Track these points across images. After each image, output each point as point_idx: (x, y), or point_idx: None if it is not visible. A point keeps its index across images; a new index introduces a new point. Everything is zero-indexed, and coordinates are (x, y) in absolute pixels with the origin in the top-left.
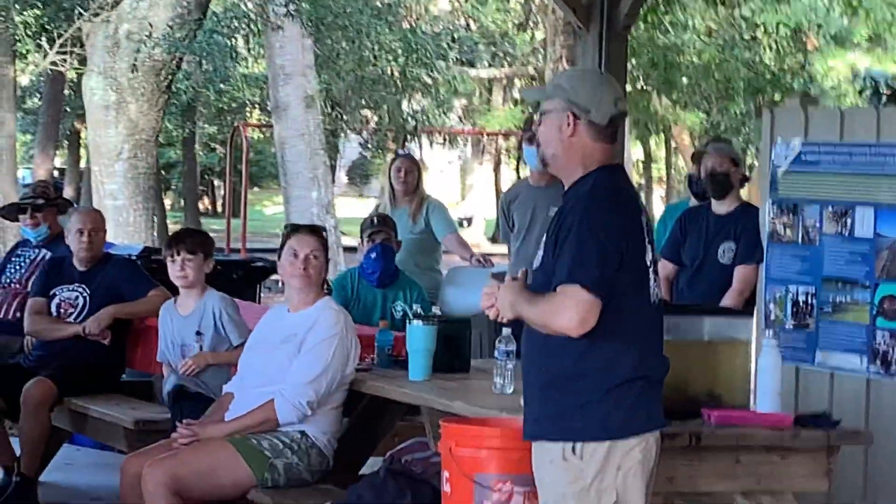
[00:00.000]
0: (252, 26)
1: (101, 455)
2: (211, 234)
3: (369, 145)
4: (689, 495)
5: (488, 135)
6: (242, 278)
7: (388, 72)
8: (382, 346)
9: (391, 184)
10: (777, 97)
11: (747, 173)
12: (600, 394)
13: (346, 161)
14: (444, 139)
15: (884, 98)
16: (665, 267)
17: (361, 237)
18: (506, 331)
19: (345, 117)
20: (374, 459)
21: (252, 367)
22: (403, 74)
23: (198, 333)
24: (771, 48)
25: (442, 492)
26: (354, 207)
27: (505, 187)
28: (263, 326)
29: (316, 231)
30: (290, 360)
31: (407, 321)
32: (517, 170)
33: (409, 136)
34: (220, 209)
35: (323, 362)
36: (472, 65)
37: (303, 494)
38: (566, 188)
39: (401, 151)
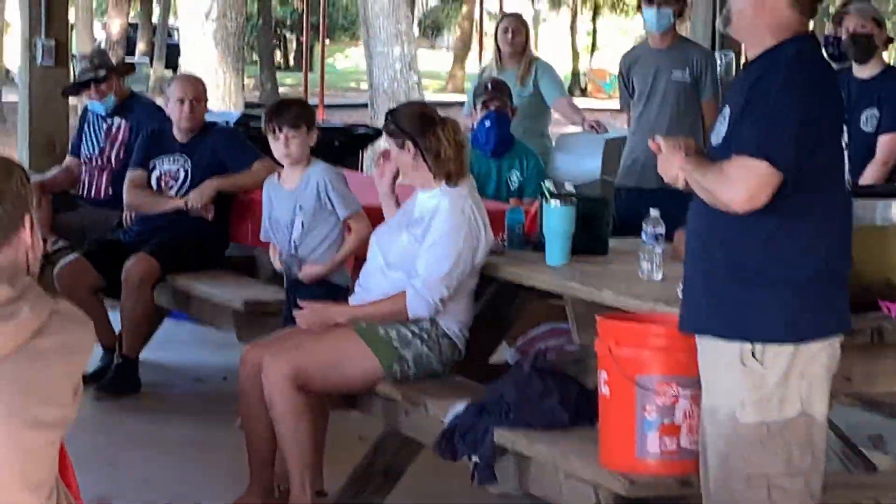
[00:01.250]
0: None
1: (203, 332)
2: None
3: None
4: (865, 395)
5: None
6: (344, 146)
7: None
8: (513, 226)
9: (497, 45)
10: None
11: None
12: (787, 289)
13: (418, 11)
14: None
15: None
16: None
17: (474, 103)
18: (654, 212)
19: None
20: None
21: (378, 244)
22: None
23: (300, 209)
24: None
25: (600, 394)
26: (426, 60)
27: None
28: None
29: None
30: (413, 245)
31: (543, 201)
32: (593, 21)
33: None
34: (291, 63)
35: (454, 255)
36: None
37: (434, 387)
38: (751, 57)
39: (508, 11)
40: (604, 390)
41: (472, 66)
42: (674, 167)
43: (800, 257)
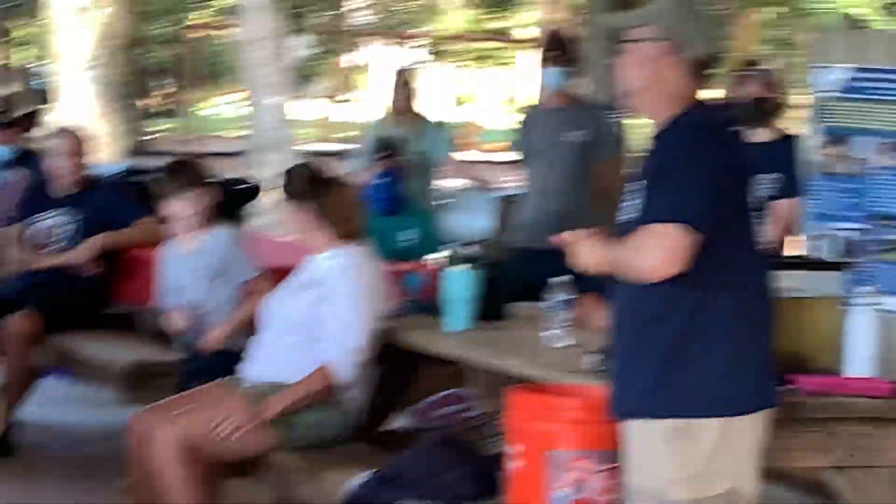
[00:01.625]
0: None
1: (81, 389)
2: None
3: (319, 46)
4: (776, 471)
5: (446, 38)
6: (220, 205)
7: None
8: (412, 290)
9: (391, 99)
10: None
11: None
12: (714, 363)
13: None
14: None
15: None
16: None
17: (369, 160)
18: (561, 277)
19: (301, 19)
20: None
21: (271, 310)
22: None
23: (204, 272)
24: None
25: (509, 468)
26: (297, 109)
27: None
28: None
29: None
30: (312, 308)
31: (444, 265)
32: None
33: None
34: (163, 110)
35: (363, 315)
36: None
37: (331, 455)
38: (655, 130)
39: (404, 65)
40: (513, 464)
41: (343, 114)
42: (586, 254)
43: (724, 331)
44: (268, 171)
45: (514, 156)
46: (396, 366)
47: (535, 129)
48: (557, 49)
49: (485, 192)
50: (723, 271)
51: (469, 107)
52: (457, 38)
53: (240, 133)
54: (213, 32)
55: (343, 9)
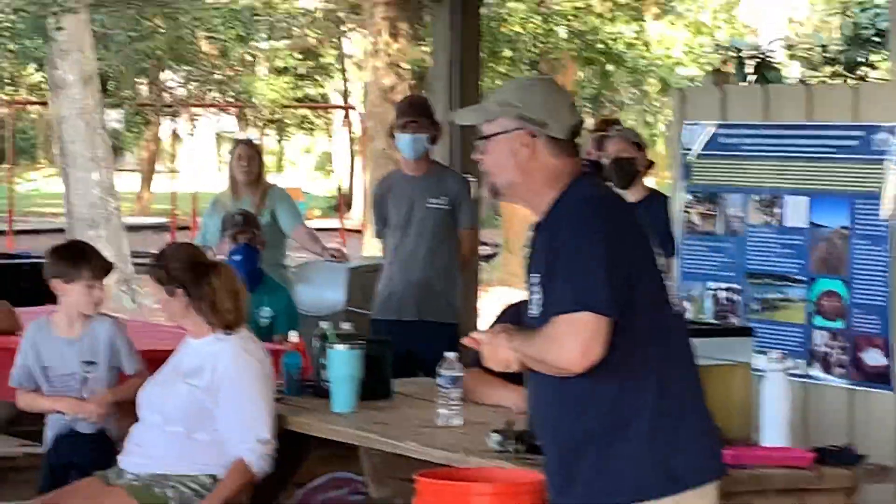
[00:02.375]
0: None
1: None
2: None
3: (133, 118)
4: None
5: (255, 107)
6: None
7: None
8: (291, 370)
9: (231, 172)
10: (610, 68)
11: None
12: (655, 440)
13: None
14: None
15: (746, 69)
16: None
17: (222, 235)
18: (450, 354)
19: (118, 93)
20: None
21: (152, 396)
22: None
23: (88, 363)
24: (602, 15)
25: None
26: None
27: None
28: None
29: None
30: (194, 396)
31: (325, 344)
32: (279, 141)
33: (175, 110)
34: None
35: (264, 404)
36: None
37: None
38: (541, 217)
39: (241, 137)
40: None
41: (159, 186)
42: (500, 352)
43: (656, 402)
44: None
45: (332, 223)
46: (282, 447)
47: (395, 198)
48: (415, 115)
49: (335, 263)
50: (642, 348)
51: (287, 174)
52: (273, 105)
53: (57, 209)
54: (25, 107)
55: (159, 79)
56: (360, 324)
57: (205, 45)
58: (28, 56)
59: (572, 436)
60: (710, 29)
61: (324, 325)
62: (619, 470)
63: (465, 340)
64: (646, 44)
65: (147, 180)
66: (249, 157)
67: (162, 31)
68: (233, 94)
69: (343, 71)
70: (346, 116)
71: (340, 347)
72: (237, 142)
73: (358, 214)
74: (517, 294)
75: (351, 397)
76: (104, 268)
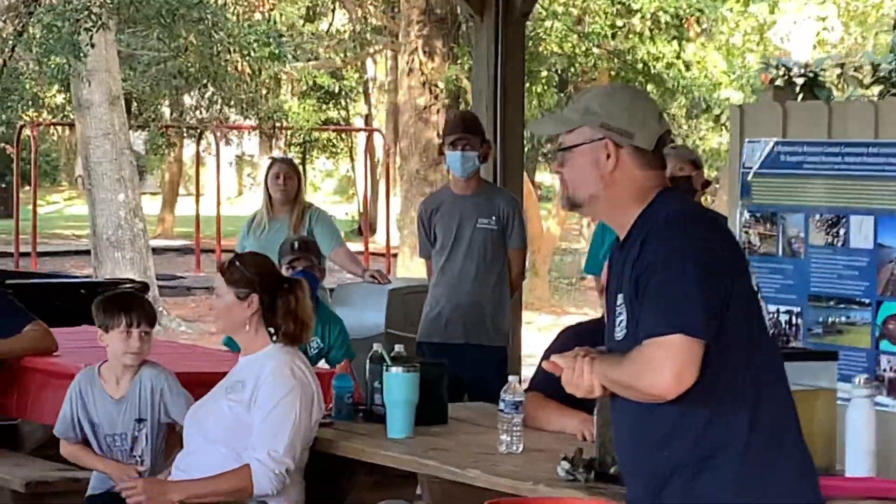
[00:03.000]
0: (96, 18)
1: None
2: None
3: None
4: None
5: (284, 129)
6: (75, 305)
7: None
8: (341, 395)
9: (268, 191)
10: (651, 88)
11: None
12: (748, 472)
13: None
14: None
15: (796, 88)
16: None
17: (279, 263)
18: (512, 378)
19: (143, 115)
20: None
21: (197, 413)
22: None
23: (138, 421)
24: (642, 35)
25: None
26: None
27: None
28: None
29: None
30: (234, 413)
31: (384, 368)
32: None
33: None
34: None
35: (292, 421)
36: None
37: None
38: (620, 233)
39: (278, 155)
40: None
41: (182, 209)
42: (585, 378)
43: (751, 434)
44: (119, 269)
45: (354, 247)
46: (328, 475)
47: (443, 217)
48: (466, 132)
49: (375, 284)
50: (736, 372)
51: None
52: (297, 128)
53: (80, 231)
54: (49, 129)
55: (182, 101)
56: (409, 346)
57: (238, 65)
58: (54, 76)
59: (658, 466)
60: (741, 50)
61: (377, 346)
62: (725, 494)
63: (545, 365)
64: (686, 64)
65: (170, 203)
66: (287, 176)
67: (193, 48)
68: (263, 114)
69: (367, 94)
70: (370, 139)
71: (397, 370)
72: (274, 160)
73: (381, 238)
74: (544, 318)
75: (408, 422)
76: (146, 316)
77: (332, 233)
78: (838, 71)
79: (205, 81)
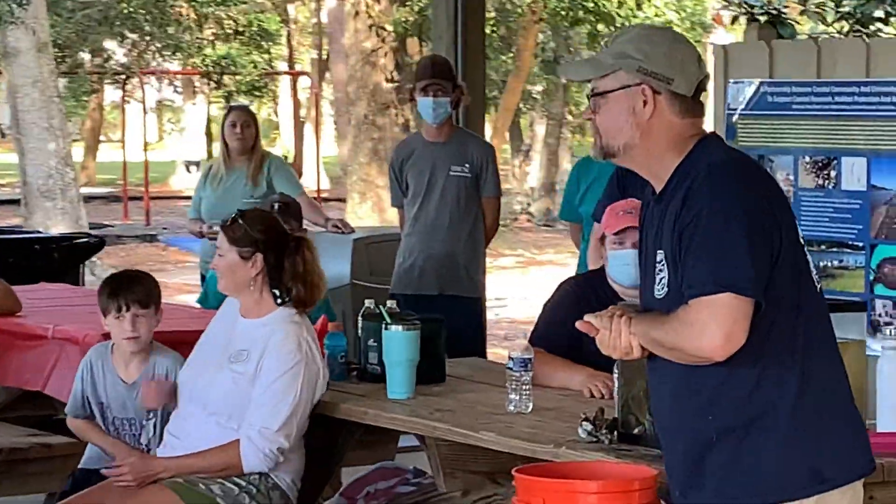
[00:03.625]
0: None
1: None
2: None
3: (78, 87)
4: None
5: (202, 75)
6: (62, 258)
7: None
8: (334, 354)
9: (224, 140)
10: (601, 27)
11: None
12: (796, 434)
13: None
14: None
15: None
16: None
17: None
18: (520, 336)
19: (66, 61)
20: None
21: (196, 382)
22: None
23: (149, 409)
24: None
25: None
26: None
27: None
28: (215, 325)
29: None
30: (238, 385)
31: (383, 326)
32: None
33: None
34: None
35: (292, 399)
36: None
37: None
38: (657, 185)
39: (234, 103)
40: None
41: (104, 155)
42: (623, 339)
43: (800, 394)
44: (50, 219)
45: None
46: (324, 438)
47: (415, 165)
48: (438, 77)
49: (342, 235)
50: (784, 331)
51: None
52: (220, 72)
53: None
54: None
55: (102, 48)
56: (368, 297)
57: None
58: None
59: (701, 431)
60: None
61: (369, 303)
62: (755, 467)
63: (579, 325)
64: (638, 3)
65: (91, 150)
66: (244, 125)
67: None
68: (209, 61)
69: (289, 37)
70: (295, 82)
71: (398, 329)
72: (231, 108)
73: (309, 182)
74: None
75: (409, 382)
76: (136, 297)
77: (292, 182)
78: (801, 8)
79: (146, 27)
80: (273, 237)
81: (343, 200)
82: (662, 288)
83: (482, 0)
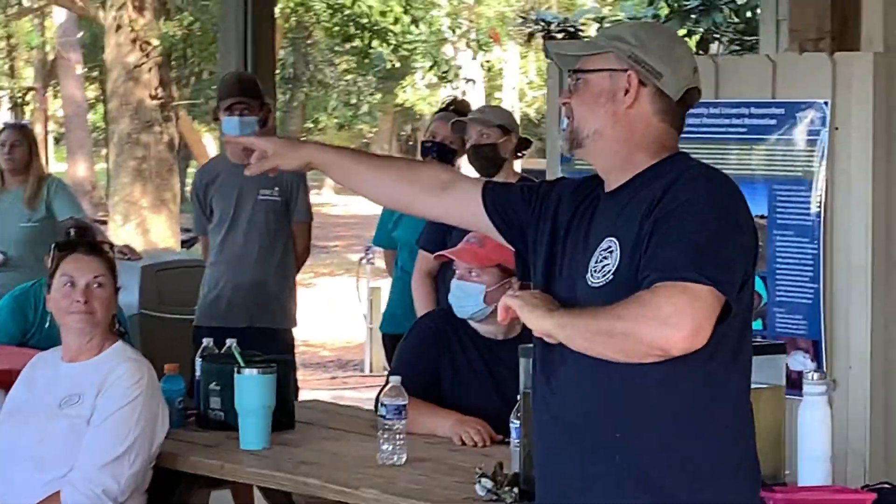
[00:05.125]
0: None
1: None
2: None
3: None
4: None
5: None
6: None
7: None
8: (172, 399)
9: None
10: (375, 43)
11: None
12: (724, 458)
13: None
14: None
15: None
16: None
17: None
18: (394, 379)
19: None
20: None
21: (18, 442)
22: None
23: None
24: None
25: None
26: None
27: None
28: (28, 384)
29: (97, 249)
30: (75, 431)
31: (234, 369)
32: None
33: None
34: None
35: (124, 436)
36: None
37: None
38: (621, 180)
39: (7, 121)
40: None
41: None
42: (539, 314)
43: (728, 423)
44: None
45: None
46: (161, 492)
47: (221, 189)
48: (244, 95)
49: (129, 263)
50: (733, 349)
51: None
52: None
53: None
54: None
55: None
56: (155, 328)
57: None
58: None
59: (656, 458)
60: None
61: (207, 341)
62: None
63: (500, 312)
64: (415, 20)
65: None
66: (13, 144)
67: None
68: None
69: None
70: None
71: (252, 372)
72: (5, 125)
73: None
74: None
75: (265, 432)
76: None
77: (73, 205)
78: (597, 25)
79: None
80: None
81: (104, 223)
82: (604, 276)
83: (271, 14)
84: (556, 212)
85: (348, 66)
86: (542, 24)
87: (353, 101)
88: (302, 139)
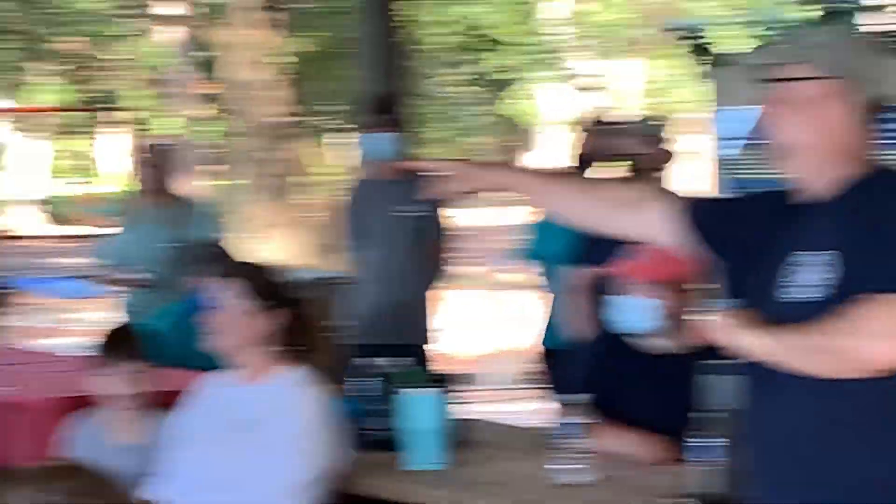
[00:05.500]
0: None
1: None
2: None
3: None
4: None
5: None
6: None
7: None
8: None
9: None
10: (487, 55)
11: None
12: None
13: None
14: None
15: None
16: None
17: None
18: (573, 397)
19: None
20: None
21: (203, 466)
22: None
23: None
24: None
25: None
26: None
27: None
28: (201, 407)
29: (241, 270)
30: (259, 454)
31: (404, 388)
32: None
33: None
34: None
35: (308, 460)
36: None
37: None
38: (828, 188)
39: (153, 142)
40: None
41: None
42: (737, 335)
43: None
44: None
45: None
46: None
47: (367, 206)
48: (385, 112)
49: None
50: None
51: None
52: (42, 110)
53: None
54: None
55: None
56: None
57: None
58: None
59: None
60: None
61: (381, 361)
62: None
63: (693, 330)
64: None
65: None
66: (155, 164)
67: None
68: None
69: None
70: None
71: (421, 392)
72: (144, 145)
73: None
74: None
75: (437, 452)
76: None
77: (214, 226)
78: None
79: None
80: (291, 291)
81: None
82: (810, 290)
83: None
84: (751, 226)
85: (457, 79)
86: (691, 32)
87: (461, 112)
88: (485, 160)
